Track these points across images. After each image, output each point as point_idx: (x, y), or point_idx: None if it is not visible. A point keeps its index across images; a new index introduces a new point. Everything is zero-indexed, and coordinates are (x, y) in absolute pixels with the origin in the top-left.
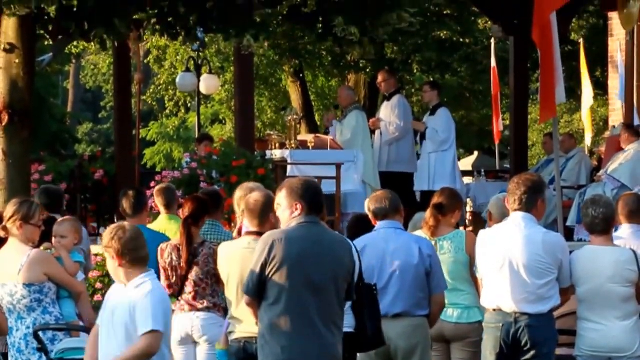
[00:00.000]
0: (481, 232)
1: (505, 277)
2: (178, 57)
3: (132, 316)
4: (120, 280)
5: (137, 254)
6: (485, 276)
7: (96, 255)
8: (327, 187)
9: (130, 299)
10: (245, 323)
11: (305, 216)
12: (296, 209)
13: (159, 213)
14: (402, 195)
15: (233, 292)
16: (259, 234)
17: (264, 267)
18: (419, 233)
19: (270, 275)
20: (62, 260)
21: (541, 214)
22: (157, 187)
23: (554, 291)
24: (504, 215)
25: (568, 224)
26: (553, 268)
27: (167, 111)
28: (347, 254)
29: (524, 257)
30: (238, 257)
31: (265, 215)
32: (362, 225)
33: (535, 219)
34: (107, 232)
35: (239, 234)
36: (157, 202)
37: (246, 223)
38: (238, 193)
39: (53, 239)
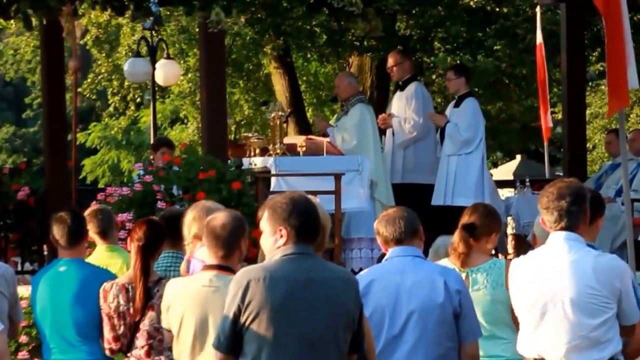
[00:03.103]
0: (514, 262)
1: (548, 318)
2: (134, 38)
3: None
4: None
5: None
6: (522, 317)
7: (21, 298)
8: (324, 205)
9: None
10: None
11: (293, 245)
12: (281, 236)
13: (93, 243)
14: (422, 214)
15: (186, 345)
16: (224, 268)
17: (237, 315)
18: (444, 262)
19: (246, 326)
20: None
21: (585, 230)
22: (88, 210)
23: (613, 332)
24: None
25: None
26: (611, 302)
27: (111, 109)
28: (350, 295)
29: (571, 291)
30: (195, 298)
31: (233, 245)
32: None
33: (582, 239)
34: None
35: (188, 267)
36: (90, 229)
37: (203, 254)
38: (190, 214)
39: None
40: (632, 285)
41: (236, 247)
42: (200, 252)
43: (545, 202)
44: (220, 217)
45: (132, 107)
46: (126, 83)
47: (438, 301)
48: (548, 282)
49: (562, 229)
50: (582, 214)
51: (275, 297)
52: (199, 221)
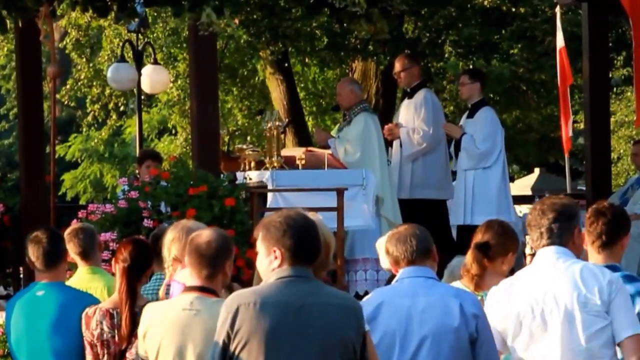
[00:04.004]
0: (492, 290)
1: (539, 336)
2: (118, 41)
3: None
4: None
5: None
6: (510, 340)
7: None
8: (326, 223)
9: None
10: None
11: (288, 268)
12: (275, 257)
13: (75, 265)
14: (434, 232)
15: None
16: (206, 290)
17: (226, 342)
18: (457, 284)
19: (235, 354)
20: None
21: (580, 248)
22: (68, 229)
23: (610, 351)
24: None
25: None
26: (604, 311)
27: (89, 118)
28: (350, 323)
29: (561, 300)
30: (175, 323)
31: (218, 264)
32: None
33: (571, 253)
34: None
35: (167, 291)
36: (70, 249)
37: (184, 276)
38: (170, 234)
39: None
40: (625, 301)
41: (221, 267)
42: (181, 275)
43: (529, 220)
44: (206, 234)
45: (114, 117)
46: (107, 90)
47: (453, 325)
48: (538, 297)
49: (544, 246)
50: (567, 231)
51: (266, 323)
52: (179, 242)
